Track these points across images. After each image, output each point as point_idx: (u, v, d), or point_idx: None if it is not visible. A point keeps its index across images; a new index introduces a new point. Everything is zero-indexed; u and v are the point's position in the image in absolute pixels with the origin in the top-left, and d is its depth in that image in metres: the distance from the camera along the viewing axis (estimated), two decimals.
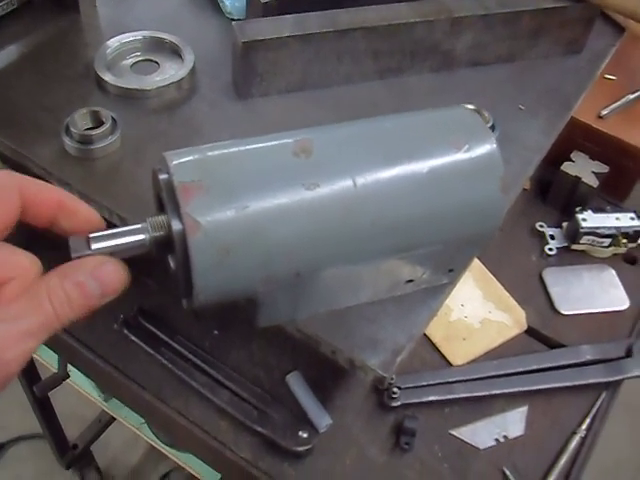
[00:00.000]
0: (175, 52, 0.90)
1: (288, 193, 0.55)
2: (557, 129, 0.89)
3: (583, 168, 1.06)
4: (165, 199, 0.55)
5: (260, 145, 0.59)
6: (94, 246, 0.52)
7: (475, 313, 0.90)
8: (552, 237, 1.05)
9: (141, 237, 0.55)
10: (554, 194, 1.08)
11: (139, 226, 0.55)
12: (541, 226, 1.05)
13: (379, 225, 0.58)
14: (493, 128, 0.85)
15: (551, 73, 0.96)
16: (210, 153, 0.57)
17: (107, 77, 0.85)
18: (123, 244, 0.55)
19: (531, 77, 0.95)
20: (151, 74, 0.87)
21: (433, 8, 0.89)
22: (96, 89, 0.86)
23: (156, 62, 0.89)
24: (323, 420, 0.79)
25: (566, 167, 1.05)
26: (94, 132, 0.77)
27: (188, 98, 0.86)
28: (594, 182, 1.05)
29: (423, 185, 0.58)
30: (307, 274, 0.59)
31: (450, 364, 0.87)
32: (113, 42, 0.88)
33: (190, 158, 0.56)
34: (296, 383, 0.81)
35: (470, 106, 0.85)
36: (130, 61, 0.89)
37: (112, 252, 0.53)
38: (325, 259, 0.59)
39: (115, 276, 0.51)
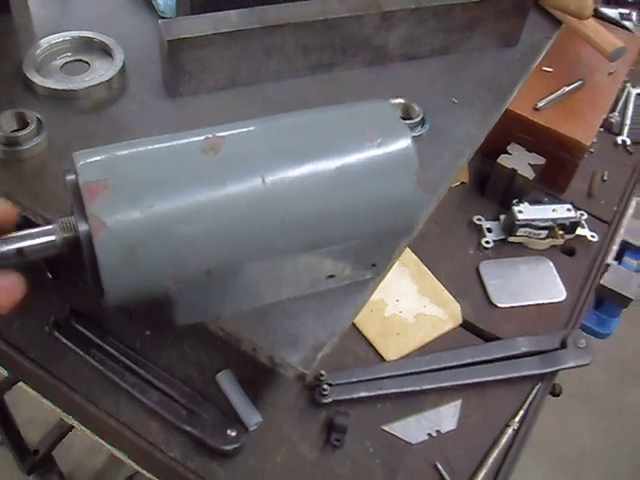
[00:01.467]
0: (106, 52, 0.91)
1: (194, 192, 0.57)
2: (490, 122, 0.92)
3: (519, 160, 1.08)
4: (73, 199, 0.56)
5: (169, 143, 0.60)
6: (2, 249, 0.53)
7: (410, 308, 0.92)
8: (489, 230, 1.07)
9: (51, 238, 0.56)
10: (491, 187, 1.11)
11: (50, 227, 0.57)
12: (479, 219, 1.07)
13: (289, 222, 0.60)
14: (423, 122, 0.87)
15: (486, 66, 0.98)
16: (119, 153, 0.59)
17: (35, 78, 0.86)
18: (33, 245, 0.56)
19: (466, 70, 0.98)
20: (81, 74, 0.88)
21: (363, 2, 0.90)
22: (25, 91, 0.86)
23: (86, 62, 0.90)
24: (253, 418, 0.81)
25: (502, 160, 1.08)
26: (19, 134, 0.78)
27: (117, 98, 0.88)
28: (530, 174, 1.07)
29: (333, 181, 0.60)
30: (219, 272, 0.60)
31: (384, 359, 0.89)
32: (43, 43, 0.89)
33: (97, 158, 0.58)
34: (226, 381, 0.83)
35: (399, 100, 0.88)
36: (60, 62, 0.90)
37: (23, 253, 0.54)
38: (236, 257, 0.60)
39: (8, 292, 0.52)
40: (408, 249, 0.97)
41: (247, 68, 0.88)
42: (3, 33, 0.94)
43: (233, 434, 0.78)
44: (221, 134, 0.60)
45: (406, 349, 0.89)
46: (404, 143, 0.62)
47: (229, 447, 0.78)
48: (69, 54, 0.91)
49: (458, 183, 1.10)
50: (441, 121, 0.89)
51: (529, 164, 1.07)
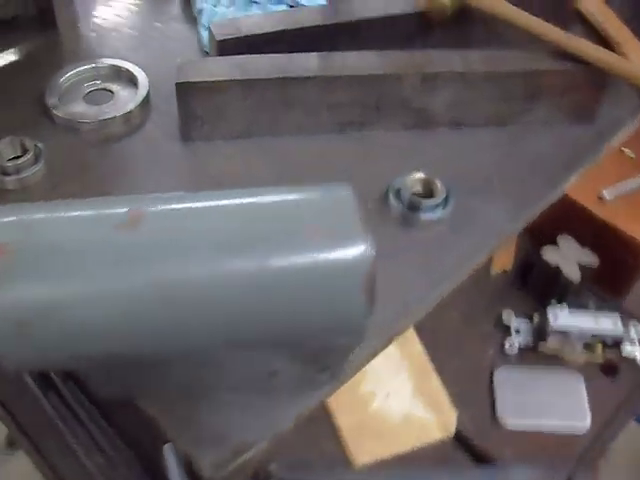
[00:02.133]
0: (133, 83, 0.89)
1: (95, 274, 0.52)
2: (531, 213, 0.80)
3: (568, 256, 0.93)
4: None
5: (88, 212, 0.56)
6: None
7: (399, 407, 0.82)
8: (517, 331, 0.94)
9: None
10: (533, 280, 0.97)
11: None
12: (508, 315, 0.94)
13: (200, 320, 0.54)
14: (446, 201, 0.77)
15: (545, 142, 0.86)
16: (34, 216, 0.56)
17: (52, 104, 0.85)
18: None
19: (519, 145, 0.86)
20: (102, 104, 0.87)
21: (403, 60, 0.82)
22: (42, 115, 0.86)
23: (111, 91, 0.89)
24: None
25: (547, 252, 0.94)
26: (11, 163, 0.78)
27: (130, 133, 0.85)
28: (576, 276, 0.92)
29: (251, 281, 0.53)
30: (125, 357, 0.56)
31: (352, 462, 0.80)
32: (69, 69, 0.89)
33: (9, 219, 0.55)
34: (171, 455, 0.77)
35: (419, 174, 0.78)
36: (87, 89, 0.89)
37: None
38: (140, 344, 0.55)
39: None
40: (415, 336, 0.87)
41: (265, 119, 0.83)
42: (42, 49, 0.95)
43: None
44: (144, 209, 0.55)
45: (382, 454, 0.79)
46: (352, 251, 0.54)
47: None
48: (98, 82, 0.90)
49: (499, 271, 0.97)
50: (472, 202, 0.79)
51: (578, 263, 0.92)
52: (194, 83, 0.78)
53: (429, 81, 0.82)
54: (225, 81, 0.79)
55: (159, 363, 0.59)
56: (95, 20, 1.02)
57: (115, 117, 0.84)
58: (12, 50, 0.94)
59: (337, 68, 0.81)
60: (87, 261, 0.52)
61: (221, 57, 0.83)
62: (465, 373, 0.89)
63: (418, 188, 0.79)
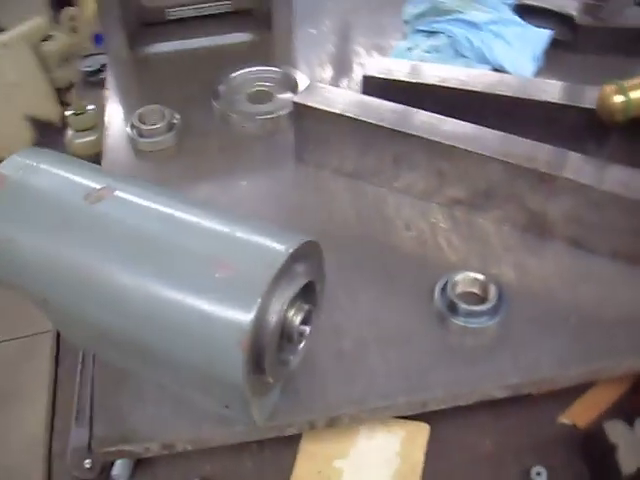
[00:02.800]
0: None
1: (53, 228, 0.59)
2: (588, 370, 0.66)
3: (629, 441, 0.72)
4: None
5: (77, 178, 0.62)
6: None
7: None
8: None
9: None
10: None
11: None
12: (538, 474, 0.76)
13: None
14: (496, 310, 0.68)
15: None
16: (42, 164, 0.63)
17: (220, 90, 0.93)
18: None
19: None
20: (258, 103, 0.93)
21: (525, 149, 0.73)
22: (204, 98, 0.95)
23: (272, 95, 0.94)
24: None
25: (611, 429, 0.73)
26: (145, 127, 0.87)
27: (261, 136, 0.90)
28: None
29: (146, 301, 0.55)
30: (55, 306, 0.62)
31: None
32: (251, 65, 0.96)
33: (27, 161, 0.63)
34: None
35: (479, 275, 0.70)
36: (255, 87, 0.95)
37: None
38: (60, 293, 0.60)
39: None
40: (421, 449, 0.75)
41: (372, 166, 0.81)
42: (253, 47, 1.03)
43: None
44: (112, 193, 0.60)
45: None
46: (241, 311, 0.52)
47: None
48: (268, 84, 0.95)
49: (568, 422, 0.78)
50: (527, 328, 0.68)
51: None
52: (309, 107, 0.79)
53: (547, 182, 0.72)
54: (336, 114, 0.78)
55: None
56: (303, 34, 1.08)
57: (260, 119, 0.90)
58: (226, 36, 1.05)
59: (447, 137, 0.75)
60: (47, 213, 0.59)
61: (349, 91, 0.82)
62: None
63: (470, 289, 0.71)
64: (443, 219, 0.79)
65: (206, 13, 1.07)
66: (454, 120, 0.76)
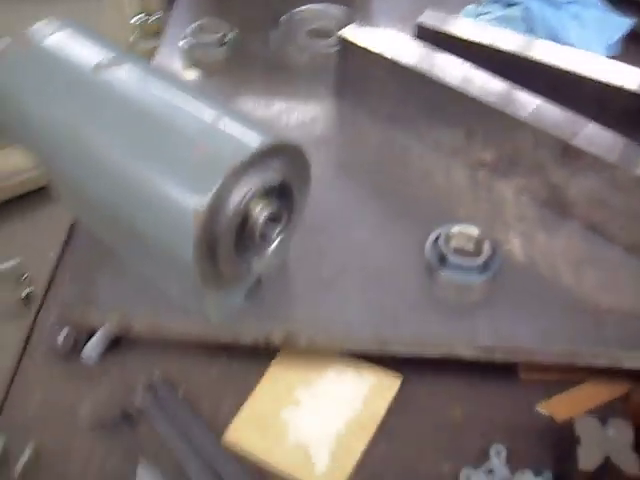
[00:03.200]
0: None
1: (62, 80, 0.62)
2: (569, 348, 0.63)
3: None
4: None
5: (94, 48, 0.65)
6: None
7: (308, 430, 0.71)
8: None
9: None
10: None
11: None
12: (497, 453, 0.71)
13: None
14: (485, 267, 0.66)
15: None
16: (67, 29, 0.67)
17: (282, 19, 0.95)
18: None
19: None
20: (314, 38, 0.94)
21: (557, 120, 0.70)
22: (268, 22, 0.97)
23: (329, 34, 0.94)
24: None
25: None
26: (202, 40, 0.90)
27: (307, 70, 0.91)
28: None
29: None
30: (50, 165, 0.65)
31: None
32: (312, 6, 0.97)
33: (54, 23, 0.67)
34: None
35: (472, 228, 0.68)
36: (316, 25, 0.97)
37: None
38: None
39: None
40: (385, 405, 0.72)
41: (406, 114, 0.79)
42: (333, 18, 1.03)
43: None
44: (121, 65, 0.61)
45: (251, 445, 0.68)
46: (203, 185, 0.53)
47: None
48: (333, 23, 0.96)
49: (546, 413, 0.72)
50: (518, 297, 0.66)
51: None
52: (353, 44, 0.79)
53: (571, 158, 0.68)
54: (377, 54, 0.77)
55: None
56: None
57: (312, 52, 0.90)
58: None
59: (486, 93, 0.73)
60: (58, 75, 0.62)
61: (398, 34, 0.81)
62: None
63: (464, 245, 0.68)
64: (463, 178, 0.77)
65: None
66: (490, 77, 0.74)
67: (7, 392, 0.75)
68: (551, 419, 0.73)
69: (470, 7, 0.97)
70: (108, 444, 0.70)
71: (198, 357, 0.77)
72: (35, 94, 0.62)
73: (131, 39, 1.00)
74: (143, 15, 0.99)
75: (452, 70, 0.75)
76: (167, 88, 0.60)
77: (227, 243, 0.56)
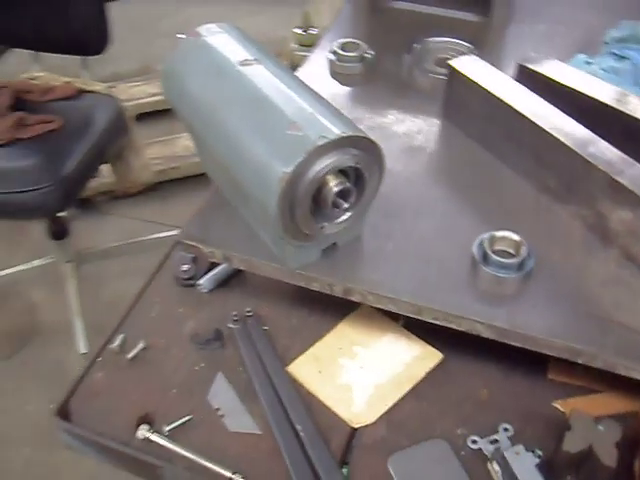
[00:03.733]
0: None
1: (211, 75, 0.83)
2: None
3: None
4: None
5: (242, 47, 0.85)
6: None
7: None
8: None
9: None
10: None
11: None
12: (505, 429, 0.81)
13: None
14: (521, 266, 0.79)
15: None
16: (232, 32, 0.87)
17: (417, 49, 1.11)
18: None
19: None
20: (438, 67, 1.09)
21: (607, 157, 0.81)
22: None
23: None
24: None
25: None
26: (344, 55, 1.09)
27: (428, 91, 1.07)
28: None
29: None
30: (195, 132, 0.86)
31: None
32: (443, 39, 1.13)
33: (220, 26, 0.88)
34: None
35: (513, 235, 0.82)
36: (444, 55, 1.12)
37: None
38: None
39: None
40: (425, 367, 0.86)
41: (492, 138, 0.95)
42: (467, 25, 1.18)
43: None
44: (261, 63, 0.81)
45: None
46: (292, 155, 0.72)
47: None
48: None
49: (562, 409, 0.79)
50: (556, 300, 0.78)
51: None
52: (460, 72, 0.95)
53: (616, 190, 0.80)
54: (474, 82, 0.93)
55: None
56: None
57: (433, 77, 1.07)
58: (451, 11, 1.22)
59: (555, 127, 0.86)
60: (213, 64, 0.83)
61: (498, 71, 0.95)
62: None
63: (506, 247, 0.82)
64: (528, 197, 0.91)
65: None
66: (565, 116, 0.87)
67: (135, 303, 0.98)
68: (563, 415, 0.84)
69: (581, 56, 1.08)
70: (199, 354, 0.92)
71: (285, 306, 0.97)
72: (194, 77, 0.84)
73: (291, 45, 1.21)
74: (303, 29, 1.19)
75: (533, 105, 0.89)
76: (286, 82, 0.79)
77: (304, 205, 0.74)
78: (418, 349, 0.91)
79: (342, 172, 0.75)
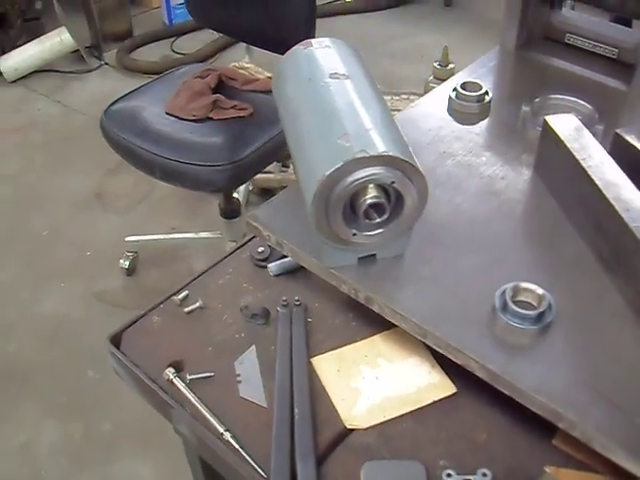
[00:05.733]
0: None
1: (303, 79, 0.95)
2: None
3: None
4: None
5: (331, 65, 0.95)
6: None
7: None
8: None
9: None
10: None
11: None
12: (484, 475, 0.81)
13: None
14: (540, 318, 0.83)
15: None
16: (330, 48, 0.98)
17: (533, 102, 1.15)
18: None
19: None
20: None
21: None
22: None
23: None
24: None
25: None
26: (465, 94, 1.15)
27: (530, 144, 1.10)
28: None
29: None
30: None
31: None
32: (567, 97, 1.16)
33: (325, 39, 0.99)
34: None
35: (537, 288, 0.85)
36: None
37: None
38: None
39: None
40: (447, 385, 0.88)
41: (568, 196, 0.97)
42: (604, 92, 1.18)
43: None
44: (350, 79, 0.91)
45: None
46: (334, 161, 0.81)
47: None
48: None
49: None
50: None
51: None
52: (552, 129, 0.98)
53: None
54: (561, 140, 0.95)
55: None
56: None
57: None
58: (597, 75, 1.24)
59: (619, 198, 0.87)
60: (308, 70, 0.95)
61: (597, 145, 0.96)
62: None
63: (529, 300, 0.85)
64: (582, 261, 0.92)
65: (594, 51, 1.26)
66: (635, 191, 0.88)
67: (208, 269, 1.12)
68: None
69: None
70: (244, 325, 1.04)
71: (333, 306, 1.06)
72: (291, 81, 0.96)
73: (429, 78, 1.29)
74: (441, 63, 1.27)
75: (607, 174, 0.90)
76: (363, 99, 0.88)
77: (337, 209, 0.82)
78: (435, 377, 0.95)
79: (383, 189, 0.83)
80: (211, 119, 2.19)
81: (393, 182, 0.82)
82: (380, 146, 0.81)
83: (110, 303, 2.47)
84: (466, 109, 1.17)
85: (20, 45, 3.75)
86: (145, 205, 2.92)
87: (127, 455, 2.01)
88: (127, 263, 2.54)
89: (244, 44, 2.63)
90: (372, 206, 0.83)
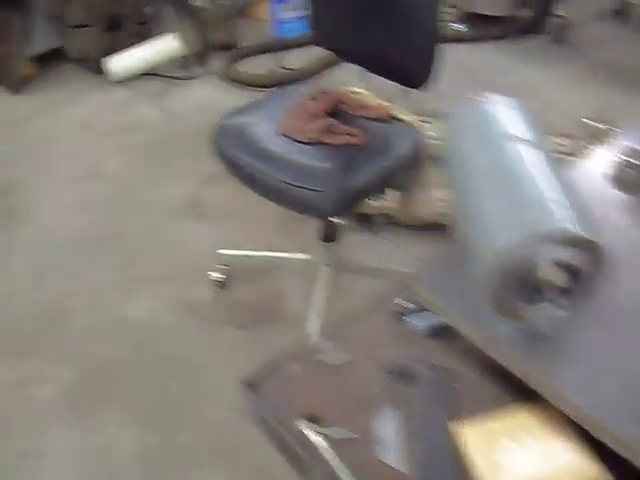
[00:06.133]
0: None
1: (469, 135, 0.92)
2: None
3: None
4: None
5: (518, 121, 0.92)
6: None
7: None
8: None
9: None
10: None
11: None
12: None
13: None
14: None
15: None
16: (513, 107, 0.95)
17: None
18: None
19: None
20: None
21: None
22: None
23: None
24: None
25: None
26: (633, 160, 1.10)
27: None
28: None
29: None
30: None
31: None
32: None
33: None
34: None
35: None
36: None
37: None
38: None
39: None
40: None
41: None
42: None
43: None
44: (520, 145, 0.88)
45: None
46: (511, 236, 0.77)
47: None
48: None
49: None
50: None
51: None
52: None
53: None
54: None
55: None
56: None
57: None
58: None
59: None
60: (484, 128, 0.92)
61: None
62: None
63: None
64: None
65: None
66: None
67: (353, 319, 1.10)
68: None
69: None
70: (386, 382, 1.00)
71: (480, 371, 1.01)
72: (466, 135, 0.93)
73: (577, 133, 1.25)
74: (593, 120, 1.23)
75: None
76: (541, 168, 0.85)
77: (514, 284, 0.79)
78: (585, 462, 0.90)
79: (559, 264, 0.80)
80: (321, 143, 2.18)
81: (580, 265, 0.79)
82: (560, 224, 0.78)
83: (199, 314, 2.48)
84: (633, 178, 1.12)
85: (128, 47, 3.84)
86: (240, 218, 2.93)
87: (204, 467, 2.01)
88: (221, 276, 2.55)
89: (353, 65, 2.61)
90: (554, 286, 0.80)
